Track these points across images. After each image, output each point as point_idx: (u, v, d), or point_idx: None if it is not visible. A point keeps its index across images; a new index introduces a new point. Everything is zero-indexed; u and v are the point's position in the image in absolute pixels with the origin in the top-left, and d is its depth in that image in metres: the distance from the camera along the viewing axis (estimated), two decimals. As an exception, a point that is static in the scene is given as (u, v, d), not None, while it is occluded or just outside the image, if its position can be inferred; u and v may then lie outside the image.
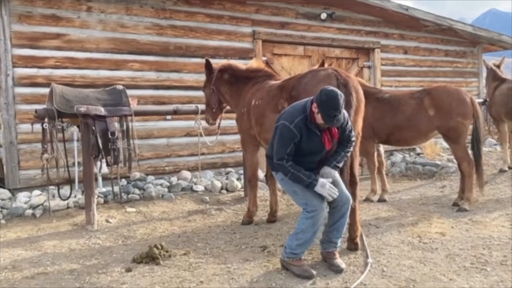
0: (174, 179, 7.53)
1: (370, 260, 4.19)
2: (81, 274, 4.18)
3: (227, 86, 5.83)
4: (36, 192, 6.56)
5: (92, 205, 5.75)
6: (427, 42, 11.52)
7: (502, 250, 4.44)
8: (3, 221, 5.94)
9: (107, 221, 6.00)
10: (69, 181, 5.85)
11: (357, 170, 4.51)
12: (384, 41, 10.68)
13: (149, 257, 4.39)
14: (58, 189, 5.88)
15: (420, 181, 9.07)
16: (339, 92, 3.73)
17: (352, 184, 4.44)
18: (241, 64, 5.90)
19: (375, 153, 6.78)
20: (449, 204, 6.56)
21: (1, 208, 6.16)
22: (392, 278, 3.85)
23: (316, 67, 7.39)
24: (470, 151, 6.39)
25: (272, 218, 5.70)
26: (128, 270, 4.22)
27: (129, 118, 5.89)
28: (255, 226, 5.54)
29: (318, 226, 3.97)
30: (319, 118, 3.77)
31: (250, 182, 5.69)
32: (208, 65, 5.92)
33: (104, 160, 5.69)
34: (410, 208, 6.31)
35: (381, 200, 6.85)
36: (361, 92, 4.53)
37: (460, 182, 6.56)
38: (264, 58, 8.93)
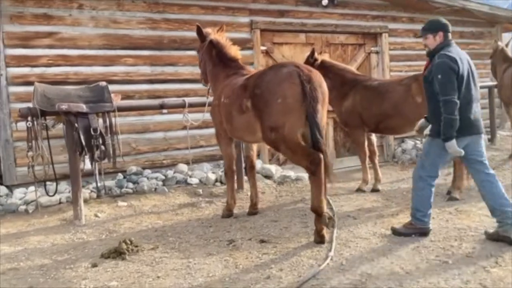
0: (170, 172, 7.58)
1: (331, 253, 4.12)
2: (50, 270, 4.28)
3: (211, 65, 5.70)
4: (32, 188, 6.74)
5: (79, 200, 5.86)
6: (439, 24, 11.12)
7: (473, 242, 4.29)
8: (-4, 217, 6.14)
9: (95, 215, 6.11)
10: (55, 178, 5.96)
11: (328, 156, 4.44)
12: (392, 25, 10.36)
13: (117, 252, 4.46)
14: (45, 186, 6.02)
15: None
16: (437, 17, 4.67)
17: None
18: (227, 44, 5.75)
19: (366, 142, 6.63)
20: (444, 192, 6.37)
21: (-3, 205, 6.37)
22: (349, 272, 3.78)
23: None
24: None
25: (253, 210, 5.68)
26: (94, 265, 4.29)
27: (112, 114, 5.97)
28: (233, 219, 5.54)
29: None
30: None
31: (226, 175, 5.68)
32: (199, 32, 5.75)
33: (87, 156, 5.80)
34: (399, 198, 6.16)
35: (374, 190, 6.70)
36: (324, 85, 4.53)
37: (453, 170, 6.35)
38: (263, 48, 8.85)
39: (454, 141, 4.18)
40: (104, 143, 5.84)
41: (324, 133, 4.47)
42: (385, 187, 7.06)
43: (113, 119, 5.96)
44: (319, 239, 4.40)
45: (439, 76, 4.20)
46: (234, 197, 5.67)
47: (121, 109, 6.13)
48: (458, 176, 5.98)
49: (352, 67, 7.54)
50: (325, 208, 4.40)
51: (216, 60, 5.59)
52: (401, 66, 10.43)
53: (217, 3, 8.35)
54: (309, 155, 4.29)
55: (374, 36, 10.23)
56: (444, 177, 7.70)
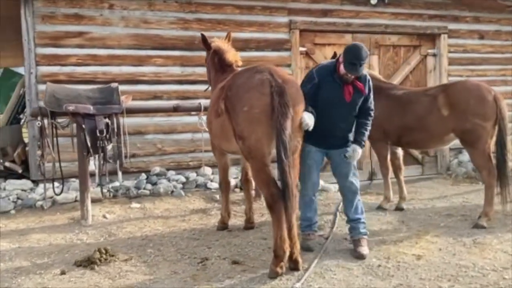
0: (192, 175, 7.44)
1: (297, 284, 3.72)
2: (21, 273, 4.27)
3: (214, 72, 5.42)
4: (55, 184, 6.90)
5: (86, 200, 5.89)
6: (512, 24, 10.04)
7: (469, 284, 3.69)
8: (13, 212, 6.32)
9: (104, 216, 6.11)
10: (62, 177, 6.03)
11: (293, 180, 3.92)
12: (452, 25, 9.47)
13: (89, 261, 4.36)
14: (53, 183, 6.11)
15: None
16: (363, 46, 4.17)
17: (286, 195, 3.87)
18: (228, 49, 5.40)
19: (388, 156, 6.04)
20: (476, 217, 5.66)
21: (17, 199, 6.58)
22: (306, 309, 3.39)
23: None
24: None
25: (248, 225, 5.37)
26: (63, 273, 4.22)
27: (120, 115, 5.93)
28: (224, 233, 5.26)
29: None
30: (342, 68, 4.20)
31: (220, 186, 5.42)
32: (204, 41, 5.48)
33: (92, 158, 5.81)
34: (417, 221, 5.53)
35: (398, 209, 6.11)
36: (299, 98, 4.05)
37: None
38: (303, 49, 8.45)
39: None
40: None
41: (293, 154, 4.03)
42: (416, 205, 6.45)
43: (121, 121, 5.91)
44: (293, 265, 4.00)
45: (372, 95, 4.54)
46: (228, 210, 5.39)
47: (130, 111, 6.07)
48: (488, 201, 5.27)
49: (377, 73, 6.90)
50: (287, 251, 3.87)
51: (218, 67, 5.32)
52: (462, 71, 9.53)
53: (253, 2, 8.07)
54: (269, 186, 3.86)
55: (432, 37, 9.43)
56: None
